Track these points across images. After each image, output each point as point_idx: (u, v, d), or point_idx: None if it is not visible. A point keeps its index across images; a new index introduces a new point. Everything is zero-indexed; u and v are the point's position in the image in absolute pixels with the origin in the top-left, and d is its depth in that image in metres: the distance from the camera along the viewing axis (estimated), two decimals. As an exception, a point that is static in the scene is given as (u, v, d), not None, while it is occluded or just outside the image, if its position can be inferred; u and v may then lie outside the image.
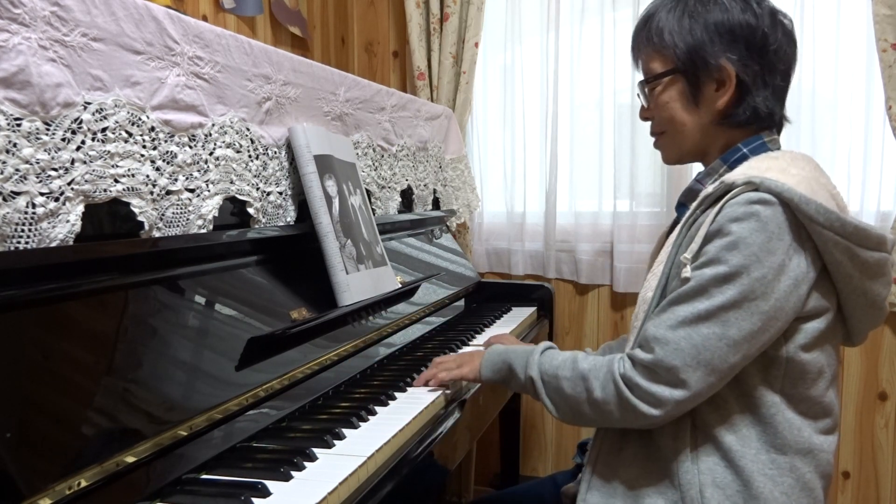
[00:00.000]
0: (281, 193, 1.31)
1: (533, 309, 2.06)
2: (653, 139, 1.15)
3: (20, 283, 0.77)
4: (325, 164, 1.35)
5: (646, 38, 1.09)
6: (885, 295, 1.01)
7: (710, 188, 0.99)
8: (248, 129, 1.20)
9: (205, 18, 2.08)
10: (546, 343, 1.12)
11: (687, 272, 0.94)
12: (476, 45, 2.43)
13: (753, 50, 1.03)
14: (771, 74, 1.04)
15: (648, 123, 1.14)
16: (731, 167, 1.05)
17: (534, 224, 2.50)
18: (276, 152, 1.29)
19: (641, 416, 0.96)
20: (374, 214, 1.56)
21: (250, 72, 1.21)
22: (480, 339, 1.65)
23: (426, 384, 1.24)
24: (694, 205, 1.01)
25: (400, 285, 1.55)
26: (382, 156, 1.78)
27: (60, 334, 0.81)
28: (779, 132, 1.11)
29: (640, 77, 1.13)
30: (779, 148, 1.08)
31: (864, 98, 2.11)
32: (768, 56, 1.03)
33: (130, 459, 0.79)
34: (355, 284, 1.33)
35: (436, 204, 2.19)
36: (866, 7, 2.00)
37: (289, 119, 1.33)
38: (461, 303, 2.02)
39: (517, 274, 2.52)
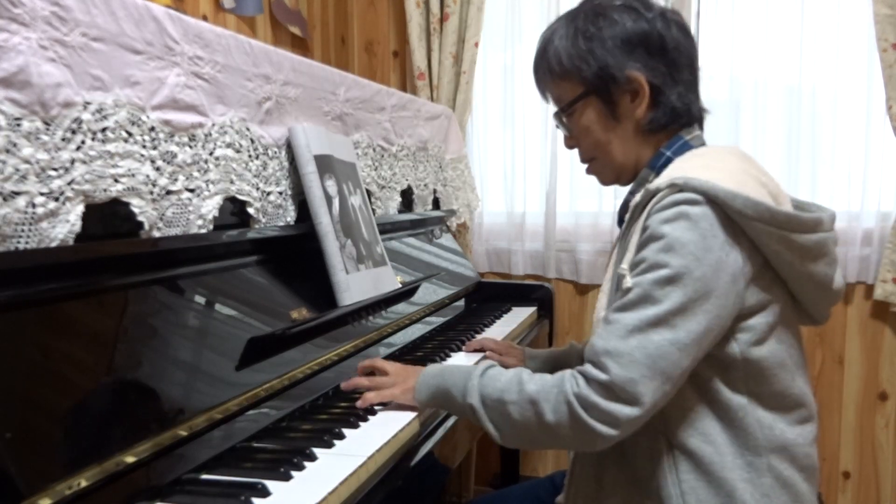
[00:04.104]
0: (281, 193, 1.31)
1: (533, 309, 2.06)
2: (585, 167, 1.15)
3: (20, 283, 0.77)
4: (325, 164, 1.35)
5: (547, 70, 1.10)
6: (832, 273, 1.00)
7: (637, 197, 0.99)
8: (248, 129, 1.20)
9: (205, 18, 2.08)
10: (487, 363, 1.05)
11: (628, 282, 0.92)
12: (476, 45, 2.43)
13: (654, 53, 1.04)
14: (678, 71, 1.05)
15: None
16: (658, 173, 1.04)
17: (534, 224, 2.50)
18: (276, 152, 1.29)
19: (599, 437, 0.91)
20: (374, 214, 1.56)
21: (250, 72, 1.21)
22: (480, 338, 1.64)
23: (355, 390, 1.16)
24: (627, 217, 1.01)
25: (400, 285, 1.55)
26: (382, 156, 1.78)
27: (60, 334, 0.81)
28: (701, 126, 1.11)
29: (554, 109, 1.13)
30: (703, 144, 1.08)
31: (864, 98, 2.11)
32: (669, 54, 1.04)
33: (130, 459, 0.79)
34: (355, 284, 1.33)
35: (436, 204, 2.19)
36: (866, 7, 2.00)
37: (289, 119, 1.33)
38: (461, 303, 2.02)
39: (517, 274, 2.52)
